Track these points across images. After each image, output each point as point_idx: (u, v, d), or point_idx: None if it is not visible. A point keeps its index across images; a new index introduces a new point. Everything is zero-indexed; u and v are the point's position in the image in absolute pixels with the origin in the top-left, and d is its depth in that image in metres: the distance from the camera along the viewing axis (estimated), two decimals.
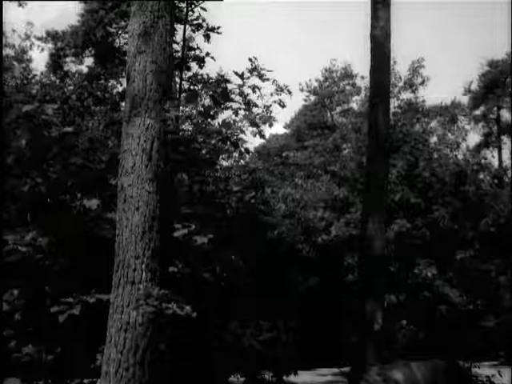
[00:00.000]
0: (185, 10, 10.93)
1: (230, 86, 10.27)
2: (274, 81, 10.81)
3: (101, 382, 7.34)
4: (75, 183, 9.07)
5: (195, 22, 10.98)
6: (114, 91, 18.12)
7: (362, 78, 34.18)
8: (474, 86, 40.63)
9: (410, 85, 31.75)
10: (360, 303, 13.92)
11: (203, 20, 11.03)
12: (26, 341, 8.40)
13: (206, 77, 11.17)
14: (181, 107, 9.46)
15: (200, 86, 11.05)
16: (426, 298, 20.36)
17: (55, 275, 8.49)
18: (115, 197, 7.90)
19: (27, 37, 27.17)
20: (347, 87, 36.51)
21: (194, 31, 11.06)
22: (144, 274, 7.40)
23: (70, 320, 7.98)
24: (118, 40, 22.41)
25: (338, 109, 36.26)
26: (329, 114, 36.22)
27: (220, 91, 9.98)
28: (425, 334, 18.97)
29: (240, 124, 9.40)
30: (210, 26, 10.96)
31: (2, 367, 8.24)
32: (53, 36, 25.29)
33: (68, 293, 8.19)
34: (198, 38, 11.25)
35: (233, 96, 10.13)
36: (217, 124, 9.03)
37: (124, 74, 12.56)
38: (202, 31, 10.98)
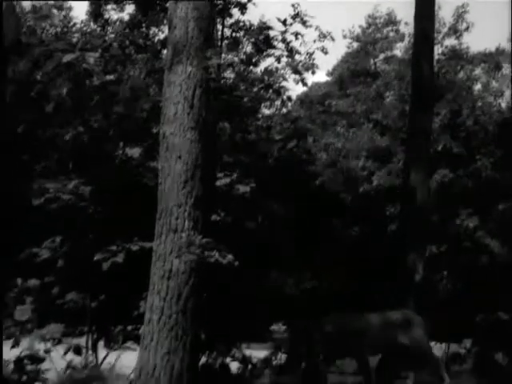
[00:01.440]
0: None
1: (272, 33, 10.12)
2: (316, 27, 10.64)
3: (144, 329, 7.43)
4: (117, 132, 9.08)
5: None
6: (156, 39, 17.99)
7: (406, 24, 33.40)
8: None
9: (455, 31, 31.01)
10: (401, 253, 13.87)
11: None
12: (69, 287, 8.52)
13: (248, 24, 11.02)
14: (223, 55, 9.36)
15: (242, 33, 10.92)
16: (466, 248, 20.16)
17: (98, 223, 8.56)
18: (157, 145, 7.88)
19: None
20: (391, 34, 35.78)
21: None
22: (186, 222, 7.41)
23: (114, 268, 8.07)
24: None
25: (382, 56, 35.60)
26: (372, 62, 35.62)
27: (262, 38, 9.84)
28: (465, 285, 18.84)
29: (282, 71, 9.29)
30: None
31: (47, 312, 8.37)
32: None
33: (111, 241, 8.27)
34: None
35: (275, 43, 9.99)
36: (259, 72, 8.93)
37: (166, 22, 12.43)
38: None
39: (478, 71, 34.26)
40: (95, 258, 8.14)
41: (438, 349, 13.80)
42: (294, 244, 9.65)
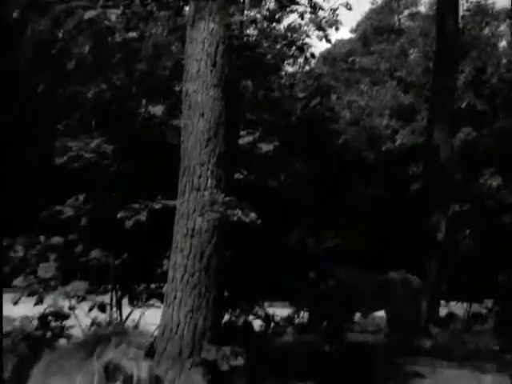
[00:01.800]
0: None
1: None
2: None
3: (167, 287, 7.47)
4: (140, 90, 9.02)
5: None
6: None
7: None
8: None
9: None
10: (424, 212, 13.82)
11: None
12: (92, 245, 8.57)
13: None
14: (245, 11, 9.24)
15: None
16: (489, 207, 20.06)
17: (121, 182, 8.57)
18: (180, 103, 7.83)
19: None
20: None
21: None
22: (209, 180, 7.39)
23: (137, 226, 8.09)
24: None
25: (406, 12, 35.05)
26: (396, 18, 35.10)
27: None
28: (487, 244, 18.77)
29: (305, 28, 9.16)
30: None
31: (71, 270, 8.43)
32: None
33: (134, 199, 8.28)
34: None
35: None
36: (282, 28, 8.81)
37: None
38: None
39: (503, 27, 33.61)
40: (118, 216, 8.15)
41: (459, 308, 13.80)
42: (316, 203, 9.61)
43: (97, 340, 5.74)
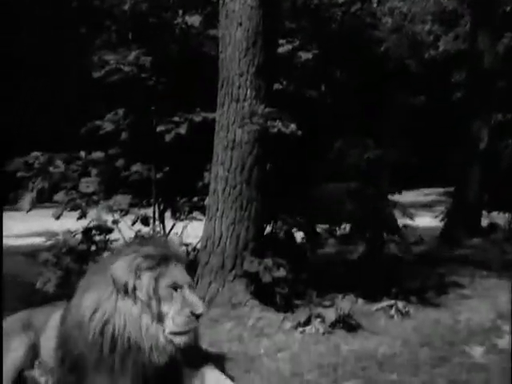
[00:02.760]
0: None
1: None
2: None
3: (209, 200, 7.47)
4: (176, 0, 8.83)
5: None
6: None
7: None
8: None
9: None
10: (466, 121, 13.57)
11: None
12: (133, 160, 8.56)
13: None
14: None
15: None
16: None
17: (160, 95, 8.49)
18: (217, 13, 7.64)
19: None
20: None
21: None
22: (248, 91, 7.27)
23: (177, 139, 8.05)
24: None
25: None
26: None
27: None
28: None
29: None
30: None
31: (113, 184, 8.45)
32: None
33: (174, 112, 8.21)
34: None
35: None
36: None
37: None
38: None
39: None
40: (158, 130, 8.11)
41: (501, 218, 13.69)
42: (357, 113, 9.44)
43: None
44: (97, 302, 4.83)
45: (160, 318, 4.69)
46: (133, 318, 4.71)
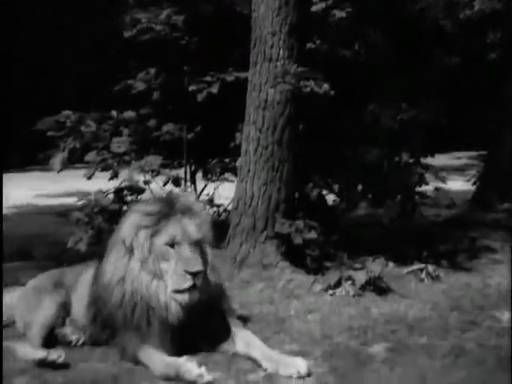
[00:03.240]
0: None
1: None
2: None
3: (241, 161, 7.43)
4: None
5: None
6: None
7: None
8: None
9: None
10: (501, 82, 13.35)
11: None
12: (165, 120, 8.53)
13: None
14: None
15: None
16: None
17: (192, 54, 8.42)
18: None
19: None
20: None
21: None
22: (281, 50, 7.18)
23: (209, 99, 7.99)
24: None
25: None
26: None
27: None
28: None
29: None
30: None
31: (144, 144, 8.44)
32: None
33: (206, 71, 8.14)
34: None
35: None
36: None
37: None
38: None
39: None
40: (190, 89, 8.05)
41: None
42: (391, 73, 9.28)
43: None
44: (115, 262, 4.88)
45: (160, 276, 4.69)
46: (135, 277, 4.75)
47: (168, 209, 4.80)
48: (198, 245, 4.76)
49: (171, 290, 4.67)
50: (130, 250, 4.78)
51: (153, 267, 4.71)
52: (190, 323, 4.75)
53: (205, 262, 4.77)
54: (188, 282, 4.59)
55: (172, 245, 4.68)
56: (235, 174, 8.01)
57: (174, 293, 4.66)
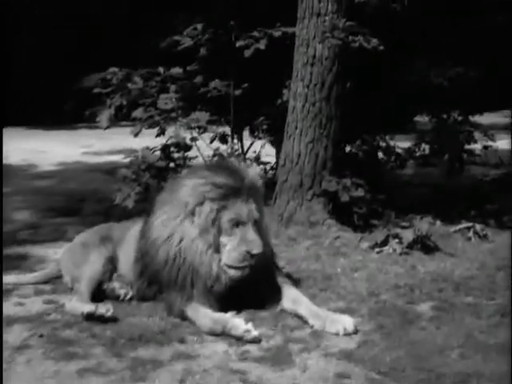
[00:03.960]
0: None
1: None
2: None
3: (288, 118, 7.37)
4: None
5: None
6: None
7: None
8: None
9: None
10: None
11: None
12: (212, 76, 8.48)
13: None
14: None
15: None
16: None
17: (239, 9, 8.33)
18: None
19: None
20: None
21: None
22: (329, 4, 7.04)
23: (256, 55, 7.90)
24: None
25: None
26: None
27: None
28: None
29: None
30: None
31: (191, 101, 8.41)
32: None
33: (253, 27, 8.04)
34: None
35: None
36: None
37: None
38: None
39: None
40: (237, 45, 7.97)
41: None
42: (440, 29, 9.06)
43: None
44: (165, 221, 4.90)
45: (217, 249, 4.74)
46: (189, 241, 4.78)
47: (236, 184, 4.80)
48: (258, 223, 4.85)
49: (226, 263, 4.73)
50: (191, 215, 4.80)
51: (212, 239, 4.75)
52: (237, 286, 4.81)
53: (264, 241, 4.85)
54: (246, 262, 4.69)
55: (237, 223, 4.73)
56: (282, 131, 7.95)
57: (228, 267, 4.73)
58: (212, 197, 4.72)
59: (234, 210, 4.72)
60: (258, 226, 4.84)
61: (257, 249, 4.67)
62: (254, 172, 5.14)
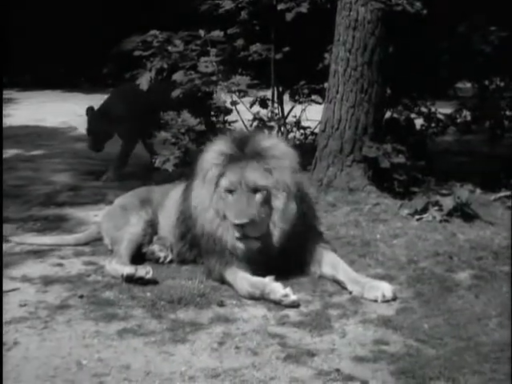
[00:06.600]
0: None
1: None
2: None
3: (329, 82, 7.30)
4: None
5: None
6: None
7: None
8: None
9: None
10: None
11: None
12: (252, 40, 8.42)
13: None
14: None
15: None
16: None
17: None
18: None
19: None
20: None
21: None
22: None
23: (298, 18, 7.81)
24: None
25: None
26: None
27: None
28: None
29: None
30: None
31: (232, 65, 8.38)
32: None
33: None
34: None
35: None
36: None
37: None
38: None
39: None
40: (278, 8, 7.86)
41: None
42: None
43: None
44: (199, 189, 4.93)
45: (222, 217, 4.73)
46: (203, 210, 4.80)
47: (237, 151, 4.77)
48: (259, 192, 4.68)
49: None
50: (202, 181, 4.83)
51: (216, 206, 4.76)
52: (275, 250, 4.80)
53: (266, 209, 4.71)
54: (236, 233, 4.61)
55: (231, 191, 4.69)
56: (323, 95, 7.88)
57: (235, 239, 4.69)
58: (216, 163, 4.74)
59: (228, 177, 4.69)
60: (264, 193, 4.68)
61: (238, 219, 4.53)
62: (266, 137, 5.12)
